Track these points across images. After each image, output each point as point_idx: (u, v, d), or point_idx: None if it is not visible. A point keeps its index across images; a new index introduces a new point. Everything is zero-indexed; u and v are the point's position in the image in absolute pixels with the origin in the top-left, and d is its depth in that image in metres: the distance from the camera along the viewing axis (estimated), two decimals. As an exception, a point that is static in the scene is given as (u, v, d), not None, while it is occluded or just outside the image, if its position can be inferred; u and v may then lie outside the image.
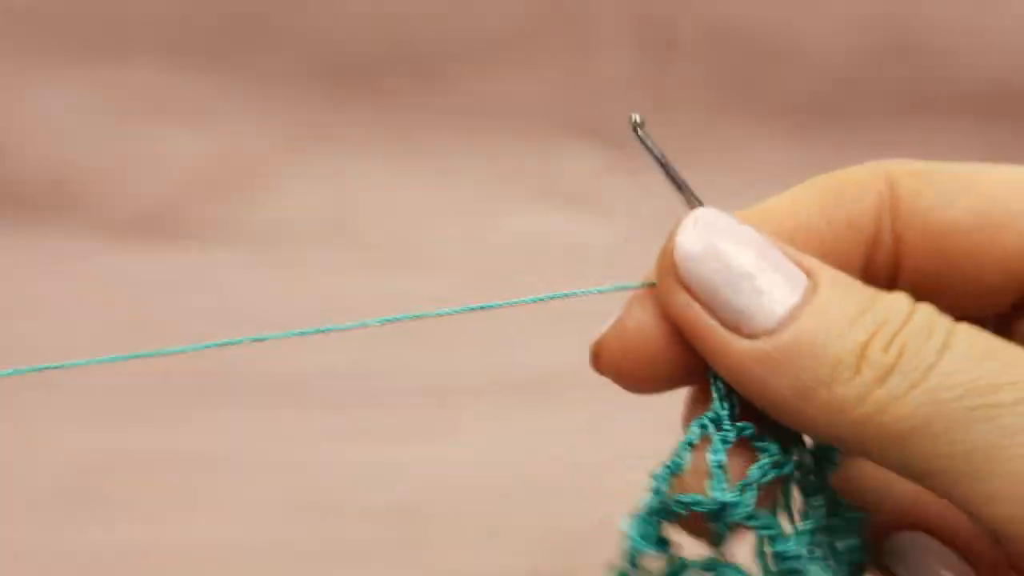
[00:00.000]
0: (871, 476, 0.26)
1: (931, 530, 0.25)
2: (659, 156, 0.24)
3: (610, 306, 0.79)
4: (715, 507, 0.23)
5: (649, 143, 0.25)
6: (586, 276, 0.74)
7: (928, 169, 0.24)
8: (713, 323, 0.22)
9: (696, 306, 0.22)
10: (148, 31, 0.72)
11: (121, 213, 0.74)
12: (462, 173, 0.78)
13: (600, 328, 0.24)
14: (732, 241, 0.22)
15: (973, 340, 0.21)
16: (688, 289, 0.22)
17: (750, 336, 0.21)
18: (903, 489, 0.25)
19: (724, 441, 0.23)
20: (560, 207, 0.79)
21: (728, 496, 0.22)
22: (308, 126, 0.76)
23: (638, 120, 0.25)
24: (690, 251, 0.22)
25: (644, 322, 0.23)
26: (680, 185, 0.24)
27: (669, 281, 0.22)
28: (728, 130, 0.80)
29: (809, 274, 0.22)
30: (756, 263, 0.22)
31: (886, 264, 0.24)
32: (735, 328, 0.22)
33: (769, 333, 0.21)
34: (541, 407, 0.59)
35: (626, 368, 0.24)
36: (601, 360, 0.24)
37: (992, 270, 0.23)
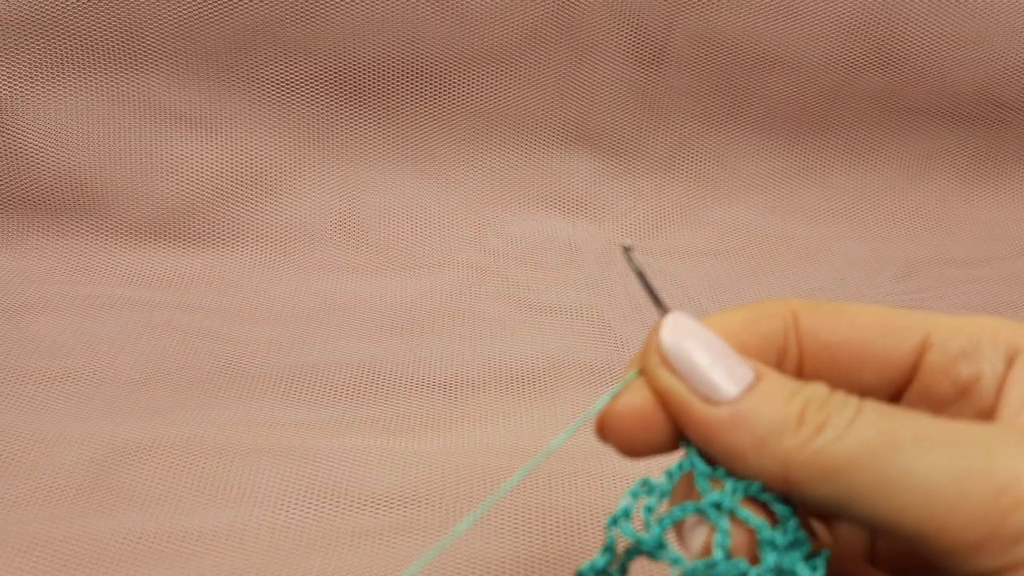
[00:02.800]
0: None
1: None
2: (641, 274, 0.32)
3: (605, 306, 0.79)
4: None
5: (635, 264, 0.32)
6: (583, 276, 0.75)
7: (819, 304, 0.32)
8: (689, 394, 0.29)
9: (676, 381, 0.29)
10: (164, 42, 0.72)
11: (138, 216, 0.74)
12: (464, 178, 0.79)
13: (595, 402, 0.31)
14: (701, 336, 0.30)
15: (876, 406, 0.28)
16: (670, 369, 0.29)
17: (717, 404, 0.28)
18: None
19: (704, 474, 0.29)
20: (557, 211, 0.80)
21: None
22: (317, 133, 0.77)
23: (629, 246, 0.32)
24: (672, 341, 0.29)
25: (636, 400, 0.30)
26: (657, 298, 0.32)
27: (655, 363, 0.29)
28: (718, 137, 0.80)
29: (755, 369, 0.29)
30: (721, 351, 0.29)
31: (792, 369, 0.31)
32: (705, 399, 0.28)
33: (732, 402, 0.28)
34: (542, 398, 0.59)
35: (622, 436, 0.30)
36: (605, 431, 0.30)
37: (865, 373, 0.31)
